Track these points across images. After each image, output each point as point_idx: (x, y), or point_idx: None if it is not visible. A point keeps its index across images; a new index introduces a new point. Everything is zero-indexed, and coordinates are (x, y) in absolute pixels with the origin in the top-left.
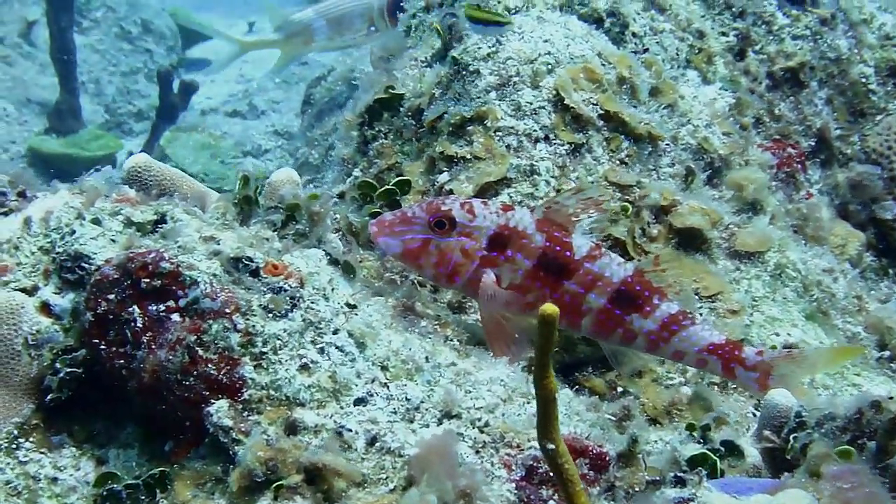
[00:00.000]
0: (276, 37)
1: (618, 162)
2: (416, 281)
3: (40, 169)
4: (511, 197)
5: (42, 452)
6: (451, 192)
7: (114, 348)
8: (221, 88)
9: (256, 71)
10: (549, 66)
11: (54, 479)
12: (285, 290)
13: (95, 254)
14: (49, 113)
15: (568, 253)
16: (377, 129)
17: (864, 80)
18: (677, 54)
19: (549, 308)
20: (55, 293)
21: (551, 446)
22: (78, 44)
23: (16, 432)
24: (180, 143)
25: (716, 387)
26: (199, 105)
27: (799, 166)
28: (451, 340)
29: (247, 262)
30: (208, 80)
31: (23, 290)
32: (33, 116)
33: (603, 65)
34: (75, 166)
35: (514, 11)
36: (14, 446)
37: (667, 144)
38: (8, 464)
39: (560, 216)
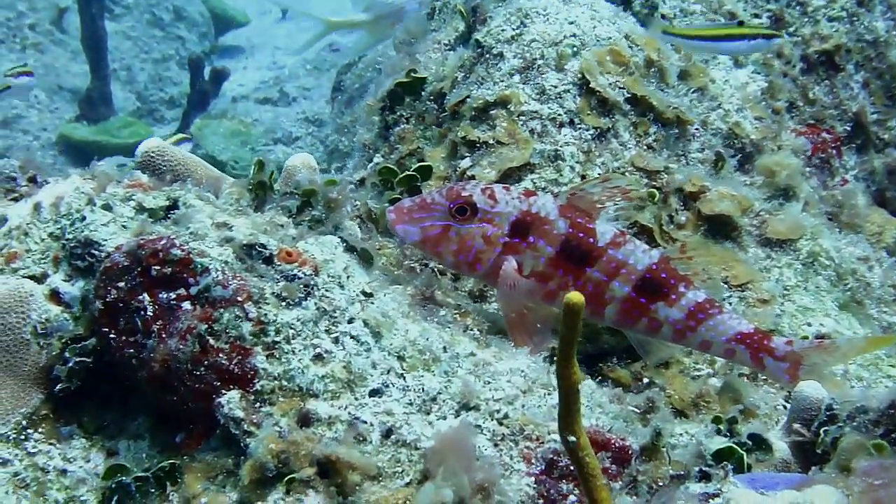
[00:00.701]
0: (365, 17)
1: (645, 147)
2: (436, 269)
3: (71, 156)
4: (534, 183)
5: (51, 444)
6: (472, 177)
7: (124, 337)
8: (254, 75)
9: (289, 58)
10: (575, 49)
11: (63, 472)
12: (299, 278)
13: (106, 240)
14: (80, 100)
15: (591, 240)
16: (399, 113)
17: None
18: None
19: (575, 297)
20: (65, 280)
21: (573, 439)
22: (110, 31)
23: (24, 423)
24: (210, 130)
25: (745, 378)
26: (231, 92)
27: (834, 152)
28: (472, 330)
29: (260, 249)
30: (241, 68)
31: (32, 278)
32: (64, 103)
33: (630, 47)
34: (106, 154)
35: None
36: (23, 437)
37: (696, 129)
38: (16, 455)
39: (584, 203)
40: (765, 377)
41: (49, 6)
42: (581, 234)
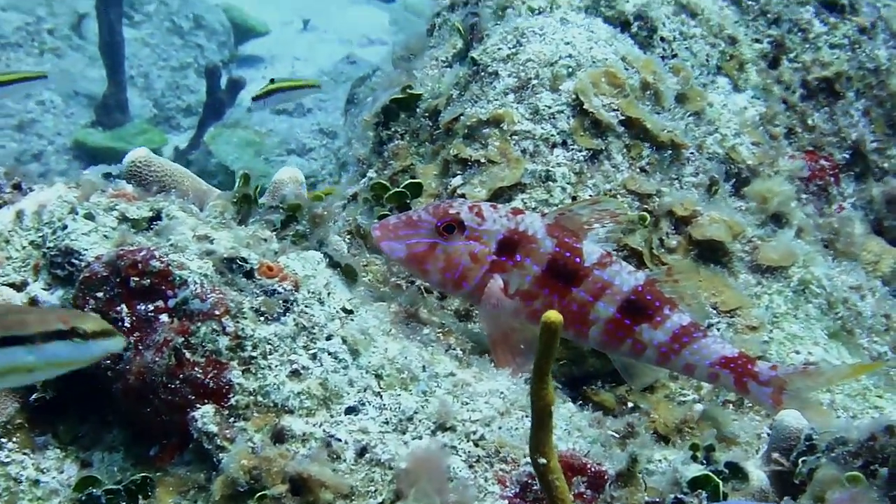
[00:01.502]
0: None
1: (638, 170)
2: (421, 287)
3: (85, 162)
4: (525, 203)
5: (25, 453)
6: (463, 196)
7: None
8: None
9: (307, 68)
10: (570, 70)
11: (36, 482)
12: (279, 293)
13: (86, 250)
14: (96, 106)
15: (578, 259)
16: (393, 129)
17: None
18: (707, 60)
19: (553, 315)
20: (44, 289)
21: (543, 461)
22: (129, 37)
23: None
24: (224, 139)
25: (731, 404)
26: (248, 101)
27: (832, 179)
28: (454, 349)
29: (241, 263)
30: (259, 77)
31: (11, 286)
32: (80, 109)
33: (626, 69)
34: (119, 160)
35: (537, 12)
36: None
37: (691, 153)
38: None
39: (573, 223)
40: (750, 403)
41: (68, 11)
42: (568, 254)
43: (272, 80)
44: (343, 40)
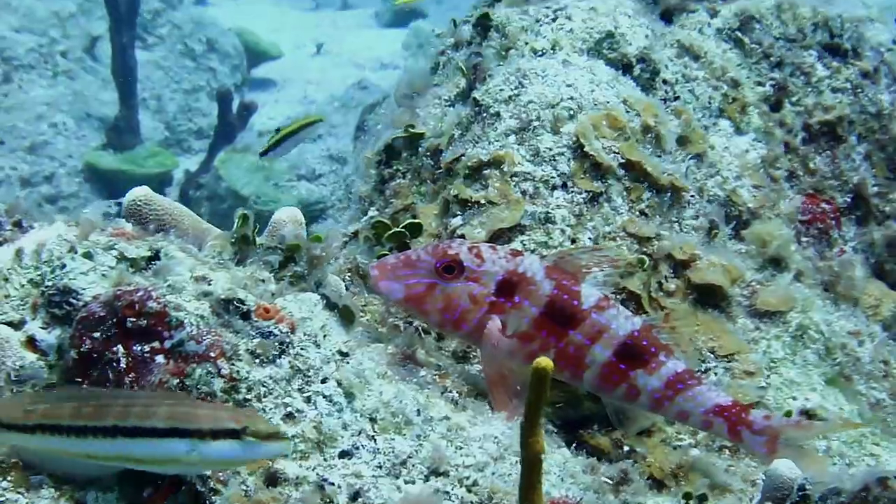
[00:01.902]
0: None
1: (638, 213)
2: (419, 328)
3: (96, 184)
4: (524, 244)
5: (20, 492)
6: (462, 236)
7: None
8: (284, 109)
9: (319, 92)
10: (571, 112)
11: None
12: (275, 335)
13: (84, 289)
14: (107, 129)
15: (576, 302)
16: (395, 167)
17: None
18: (709, 103)
19: (544, 361)
20: (42, 328)
21: None
22: (142, 60)
23: None
24: (234, 163)
25: (727, 451)
26: (260, 125)
27: (833, 222)
28: (450, 392)
29: (238, 305)
30: (272, 100)
31: (9, 324)
32: (92, 131)
33: (627, 112)
34: (131, 183)
35: (540, 54)
36: None
37: (691, 196)
38: None
39: (571, 266)
40: (744, 451)
41: (82, 34)
42: (566, 296)
43: (278, 130)
44: (356, 64)
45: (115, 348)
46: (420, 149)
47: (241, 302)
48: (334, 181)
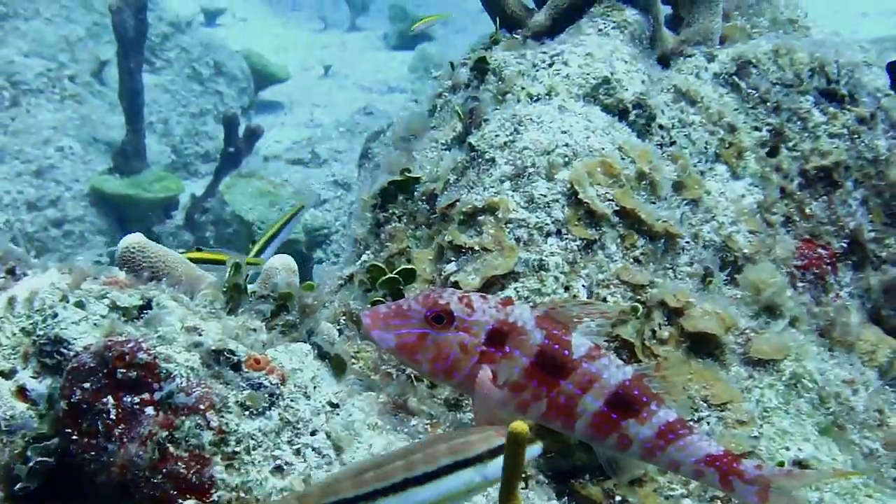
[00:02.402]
0: None
1: (632, 260)
2: (412, 376)
3: (102, 208)
4: (518, 292)
5: None
6: (456, 283)
7: (86, 439)
8: (291, 132)
9: (326, 115)
10: (566, 159)
11: None
12: (265, 387)
13: (76, 339)
14: (114, 153)
15: (566, 352)
16: (391, 211)
17: None
18: (706, 148)
19: (518, 426)
20: (33, 377)
21: None
22: (149, 83)
23: None
24: (239, 189)
25: (719, 501)
26: (267, 148)
27: (829, 268)
28: None
29: (228, 356)
30: (279, 123)
31: (0, 373)
32: (98, 155)
33: (622, 158)
34: (137, 207)
35: (536, 99)
36: None
37: (686, 242)
38: None
39: (562, 317)
40: (735, 501)
41: (90, 58)
42: (556, 346)
43: (254, 241)
44: (362, 87)
45: (104, 399)
46: (416, 193)
47: (232, 353)
48: (339, 207)
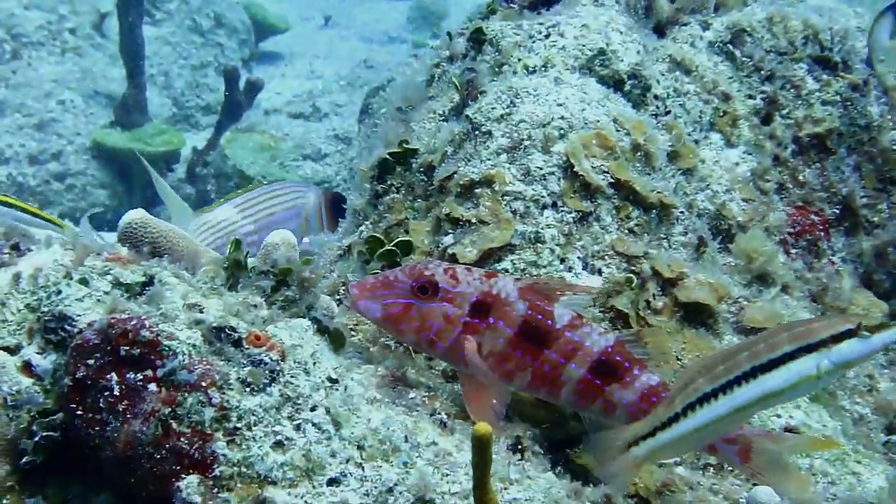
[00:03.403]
0: None
1: (627, 231)
2: (409, 348)
3: (103, 162)
4: (514, 264)
5: None
6: (454, 255)
7: (90, 415)
8: (291, 84)
9: (327, 67)
10: (562, 131)
11: None
12: (265, 364)
13: (80, 315)
14: (115, 106)
15: (549, 322)
16: (389, 183)
17: (895, 146)
18: (700, 117)
19: (482, 428)
20: (38, 353)
21: None
22: (149, 36)
23: None
24: (240, 143)
25: (711, 468)
26: (268, 100)
27: (822, 234)
28: (439, 413)
29: (229, 332)
30: (279, 74)
31: (6, 349)
32: (100, 108)
33: (617, 130)
34: (138, 161)
35: (532, 71)
36: None
37: (680, 212)
38: None
39: (545, 290)
40: (720, 461)
41: (90, 10)
42: (539, 316)
43: None
44: (363, 37)
45: (108, 376)
46: (414, 164)
47: (233, 329)
48: (339, 161)
